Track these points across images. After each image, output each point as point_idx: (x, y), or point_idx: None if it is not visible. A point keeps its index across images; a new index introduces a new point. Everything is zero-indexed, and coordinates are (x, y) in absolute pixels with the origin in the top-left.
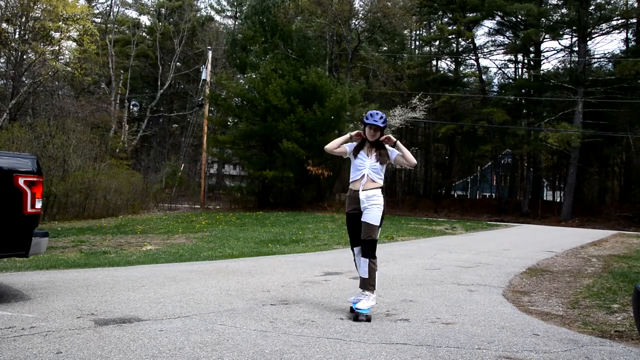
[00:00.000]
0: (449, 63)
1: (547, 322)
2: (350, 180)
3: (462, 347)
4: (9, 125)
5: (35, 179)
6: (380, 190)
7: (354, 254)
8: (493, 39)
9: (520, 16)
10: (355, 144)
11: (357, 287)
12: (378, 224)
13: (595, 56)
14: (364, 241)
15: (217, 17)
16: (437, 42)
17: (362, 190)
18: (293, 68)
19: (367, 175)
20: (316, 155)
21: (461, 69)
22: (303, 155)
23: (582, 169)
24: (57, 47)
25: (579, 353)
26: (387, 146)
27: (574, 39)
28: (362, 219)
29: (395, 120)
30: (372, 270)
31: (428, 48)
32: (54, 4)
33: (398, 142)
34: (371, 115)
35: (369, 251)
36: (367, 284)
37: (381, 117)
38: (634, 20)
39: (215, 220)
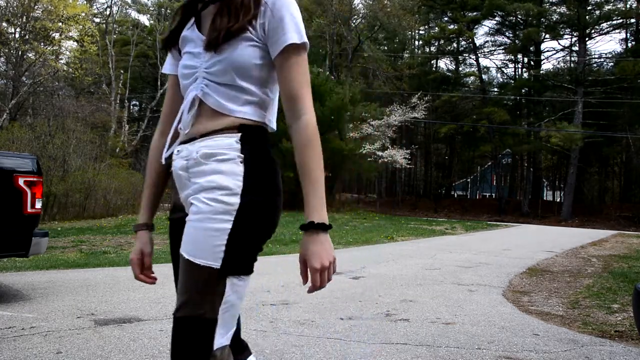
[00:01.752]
0: (448, 63)
1: (547, 322)
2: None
3: (462, 347)
4: (9, 125)
5: (35, 179)
6: (237, 138)
7: None
8: (493, 38)
9: (520, 16)
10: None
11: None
12: (217, 263)
13: (595, 56)
14: (174, 320)
15: None
16: (437, 42)
17: (185, 144)
18: None
19: (197, 98)
20: None
21: (461, 68)
22: None
23: (582, 169)
24: (57, 47)
25: (579, 353)
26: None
27: (574, 39)
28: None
29: (395, 119)
30: None
31: (428, 48)
32: (55, 4)
33: None
34: None
35: (184, 352)
36: None
37: None
38: (633, 20)
39: None
